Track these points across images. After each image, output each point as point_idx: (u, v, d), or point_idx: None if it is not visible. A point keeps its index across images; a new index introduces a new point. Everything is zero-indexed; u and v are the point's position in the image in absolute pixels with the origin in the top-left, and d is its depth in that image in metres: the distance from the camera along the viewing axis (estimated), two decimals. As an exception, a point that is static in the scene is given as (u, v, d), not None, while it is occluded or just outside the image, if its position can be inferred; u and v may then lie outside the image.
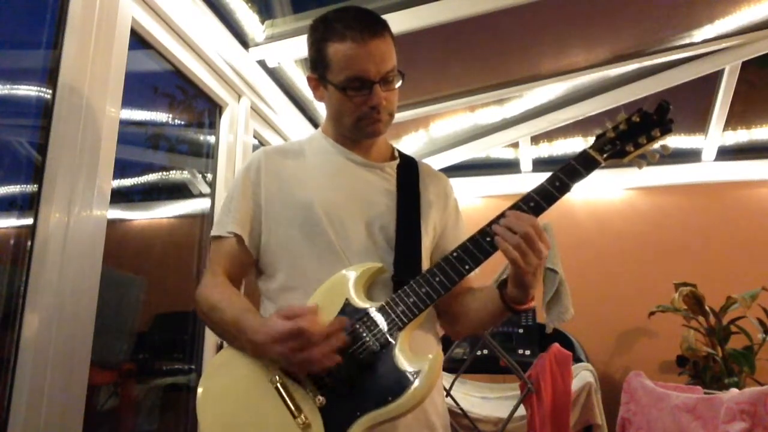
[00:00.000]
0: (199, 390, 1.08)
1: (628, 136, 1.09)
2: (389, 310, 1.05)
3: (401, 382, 0.98)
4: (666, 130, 1.09)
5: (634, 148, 1.09)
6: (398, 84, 1.18)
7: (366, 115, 1.16)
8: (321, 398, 1.01)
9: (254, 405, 1.04)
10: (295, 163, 1.25)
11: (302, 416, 0.99)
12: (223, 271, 1.19)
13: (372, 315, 1.05)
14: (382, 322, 1.04)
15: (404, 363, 1.00)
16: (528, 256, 0.99)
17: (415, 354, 1.02)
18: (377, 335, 1.03)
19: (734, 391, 2.08)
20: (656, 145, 1.10)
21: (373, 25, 1.14)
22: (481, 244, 1.05)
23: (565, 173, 1.06)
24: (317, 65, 1.19)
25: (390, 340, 1.02)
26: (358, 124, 1.18)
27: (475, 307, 1.18)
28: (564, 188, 1.05)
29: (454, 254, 1.06)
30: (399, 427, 1.04)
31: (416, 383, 0.98)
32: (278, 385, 1.03)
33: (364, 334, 1.03)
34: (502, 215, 1.05)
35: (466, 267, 1.06)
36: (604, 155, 1.09)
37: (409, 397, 0.97)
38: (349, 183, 1.21)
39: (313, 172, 1.23)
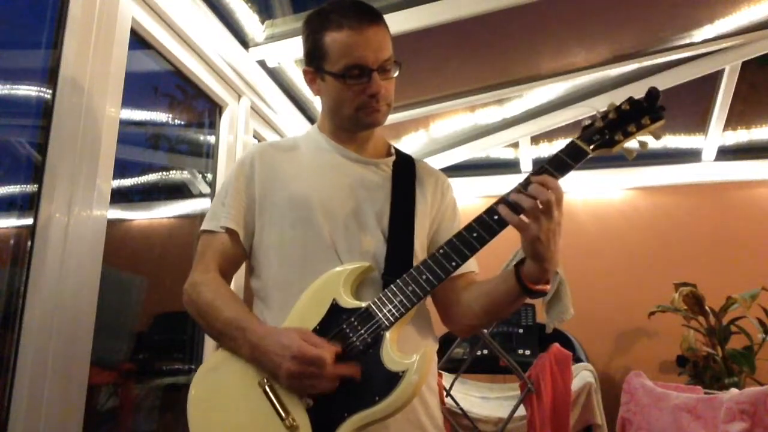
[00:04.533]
0: (190, 392, 1.08)
1: (616, 125, 1.07)
2: (376, 310, 1.04)
3: (388, 382, 0.97)
4: (656, 118, 1.07)
5: (623, 137, 1.07)
6: (395, 74, 1.18)
7: (365, 104, 1.15)
8: (309, 400, 1.00)
9: (243, 407, 1.04)
10: (289, 159, 1.24)
11: (290, 418, 0.99)
12: (214, 267, 1.17)
13: (359, 315, 1.04)
14: (368, 322, 1.03)
15: (391, 363, 0.99)
16: (539, 221, 0.96)
17: (404, 353, 1.01)
18: (364, 335, 1.02)
19: (734, 391, 2.08)
20: (647, 134, 1.08)
21: (369, 14, 1.14)
22: (467, 240, 1.04)
23: (553, 165, 1.04)
24: (313, 57, 1.19)
25: (377, 340, 1.02)
26: (357, 114, 1.17)
27: (487, 291, 1.14)
28: None
29: (441, 251, 1.05)
30: (390, 427, 1.04)
31: (403, 383, 0.97)
32: (266, 387, 1.02)
33: (351, 335, 1.03)
34: (492, 209, 1.03)
35: (453, 264, 1.04)
36: (592, 145, 1.06)
37: (396, 396, 0.96)
38: (343, 179, 1.20)
39: (307, 168, 1.23)
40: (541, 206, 0.97)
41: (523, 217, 0.99)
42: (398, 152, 1.32)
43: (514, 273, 1.06)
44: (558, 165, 1.04)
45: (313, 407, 1.00)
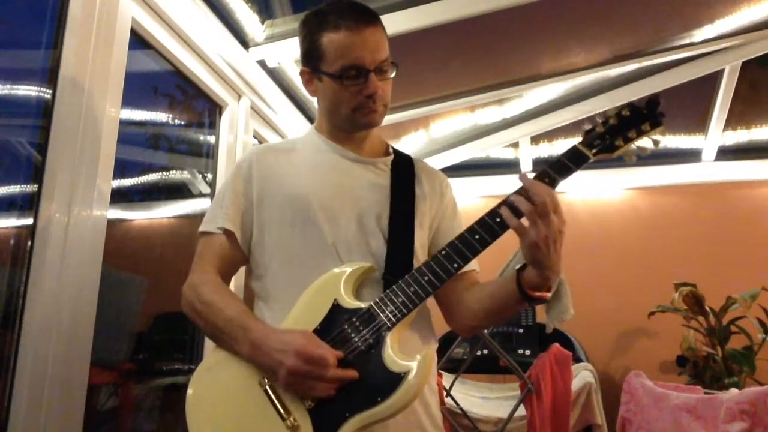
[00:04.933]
0: (188, 392, 1.08)
1: (617, 131, 1.09)
2: (378, 311, 1.04)
3: (390, 383, 0.98)
4: (656, 124, 1.09)
5: (624, 142, 1.09)
6: (392, 74, 1.18)
7: (362, 105, 1.16)
8: (310, 401, 1.00)
9: (243, 407, 1.04)
10: (287, 161, 1.25)
11: (291, 418, 0.99)
12: (213, 268, 1.18)
13: (360, 316, 1.04)
14: (370, 323, 1.03)
15: (393, 363, 0.99)
16: (537, 226, 0.96)
17: (405, 354, 1.01)
18: (366, 336, 1.02)
19: (734, 391, 2.08)
20: (646, 139, 1.09)
21: (366, 15, 1.15)
22: (469, 242, 1.04)
23: (555, 169, 1.05)
24: (310, 58, 1.19)
25: (379, 340, 1.01)
26: (353, 114, 1.17)
27: (489, 293, 1.14)
28: (553, 184, 1.04)
29: (443, 252, 1.05)
30: (389, 427, 1.03)
31: (405, 384, 0.97)
32: (267, 387, 1.02)
33: (353, 335, 1.02)
34: (494, 211, 1.03)
35: (455, 265, 1.04)
36: (594, 150, 1.08)
37: (398, 397, 0.96)
38: (341, 179, 1.21)
39: (305, 168, 1.23)
40: (537, 209, 0.96)
41: (523, 221, 0.99)
42: (396, 152, 1.32)
43: (515, 278, 1.05)
44: (560, 168, 1.05)
45: (314, 408, 1.00)
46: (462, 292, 1.19)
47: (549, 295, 1.05)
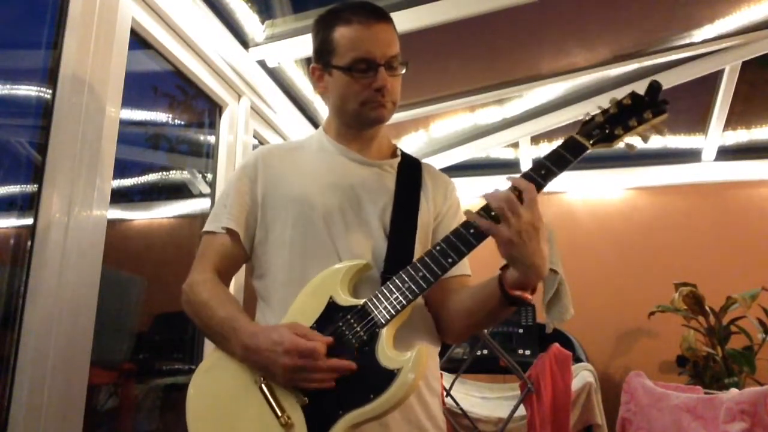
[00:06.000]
0: (188, 392, 1.09)
1: (617, 120, 1.06)
2: (372, 307, 1.03)
3: (383, 380, 0.97)
4: (659, 112, 1.05)
5: (624, 132, 1.05)
6: (402, 72, 1.19)
7: (371, 98, 1.16)
8: (304, 397, 1.00)
9: (240, 406, 1.04)
10: (292, 161, 1.25)
11: (285, 415, 0.99)
12: (212, 268, 1.18)
13: (355, 312, 1.04)
14: (364, 320, 1.03)
15: (386, 360, 0.99)
16: (508, 221, 0.94)
17: (399, 351, 1.01)
18: (359, 333, 1.02)
19: (734, 391, 2.08)
20: (649, 128, 1.06)
21: (378, 12, 1.17)
22: (464, 236, 1.02)
23: (552, 160, 1.02)
24: (322, 53, 1.20)
25: (372, 337, 1.01)
26: (361, 108, 1.17)
27: (470, 294, 1.12)
28: (550, 175, 1.01)
29: (438, 247, 1.04)
30: (390, 427, 1.03)
31: (398, 380, 0.96)
32: (263, 384, 1.03)
33: (347, 332, 1.02)
34: (487, 207, 1.01)
35: (449, 260, 1.02)
36: (592, 140, 1.05)
37: (391, 394, 0.96)
38: (346, 181, 1.20)
39: (310, 169, 1.23)
40: (506, 205, 0.94)
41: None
42: (404, 154, 1.31)
43: (497, 277, 1.02)
44: (556, 160, 1.03)
45: (308, 405, 1.00)
46: (448, 295, 1.16)
47: (530, 297, 1.00)
